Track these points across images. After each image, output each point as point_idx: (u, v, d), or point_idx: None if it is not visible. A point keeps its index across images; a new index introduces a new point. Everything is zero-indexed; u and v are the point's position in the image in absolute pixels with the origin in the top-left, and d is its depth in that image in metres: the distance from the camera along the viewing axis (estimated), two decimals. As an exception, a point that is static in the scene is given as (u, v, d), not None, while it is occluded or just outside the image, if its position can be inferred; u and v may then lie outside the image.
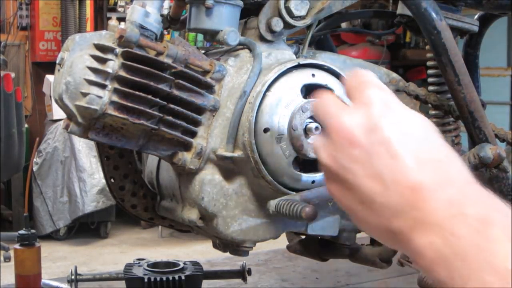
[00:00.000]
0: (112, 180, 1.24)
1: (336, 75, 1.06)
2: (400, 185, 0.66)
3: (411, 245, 0.65)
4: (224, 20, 1.08)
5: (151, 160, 1.24)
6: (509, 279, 0.57)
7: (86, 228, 5.35)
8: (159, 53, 1.02)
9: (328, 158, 0.72)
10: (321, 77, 1.06)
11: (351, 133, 0.70)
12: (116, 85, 0.98)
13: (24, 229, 1.43)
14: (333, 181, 0.73)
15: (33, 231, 1.43)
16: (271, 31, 1.10)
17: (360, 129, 0.69)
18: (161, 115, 1.00)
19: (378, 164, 0.67)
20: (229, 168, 1.06)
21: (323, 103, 0.78)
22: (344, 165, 0.70)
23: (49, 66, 5.69)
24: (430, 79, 1.47)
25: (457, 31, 1.37)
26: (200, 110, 1.04)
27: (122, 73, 0.98)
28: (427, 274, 0.64)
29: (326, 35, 1.49)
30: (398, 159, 0.66)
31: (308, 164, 1.07)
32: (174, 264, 1.43)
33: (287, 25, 1.11)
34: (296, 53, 1.15)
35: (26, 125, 5.00)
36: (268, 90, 1.03)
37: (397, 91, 1.23)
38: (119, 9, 6.21)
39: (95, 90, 0.97)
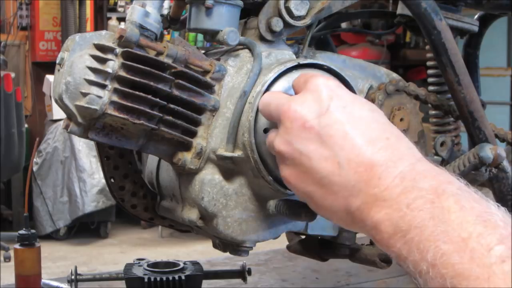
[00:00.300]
0: (112, 180, 1.24)
1: (336, 75, 1.06)
2: (354, 163, 0.68)
3: (368, 222, 0.67)
4: (224, 20, 1.08)
5: (151, 160, 1.24)
6: (464, 246, 0.59)
7: (86, 228, 5.36)
8: (159, 53, 1.02)
9: (282, 144, 0.74)
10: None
11: (303, 118, 0.72)
12: (116, 85, 0.98)
13: (24, 229, 1.43)
14: (288, 167, 0.75)
15: (33, 231, 1.43)
16: (271, 31, 1.11)
17: (311, 113, 0.72)
18: (161, 115, 1.00)
19: (332, 145, 0.70)
20: (229, 168, 1.06)
21: (271, 98, 0.81)
22: (299, 149, 0.72)
23: (49, 66, 5.70)
24: (430, 79, 1.47)
25: (457, 31, 1.37)
26: (200, 110, 1.04)
27: (122, 73, 0.98)
28: (385, 250, 0.65)
29: (326, 35, 1.50)
30: (350, 139, 0.69)
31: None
32: (174, 264, 1.43)
33: (287, 25, 1.11)
34: (296, 53, 1.15)
35: (26, 125, 5.01)
36: (268, 90, 1.03)
37: (397, 91, 1.23)
38: (119, 9, 6.22)
39: (95, 90, 0.97)
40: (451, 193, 0.63)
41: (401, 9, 1.38)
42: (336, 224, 0.75)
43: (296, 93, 0.81)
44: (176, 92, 1.02)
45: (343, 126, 0.70)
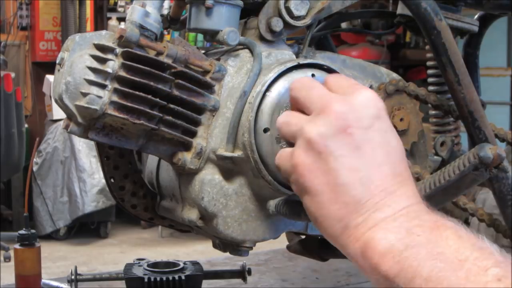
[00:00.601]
0: (112, 180, 1.24)
1: (336, 75, 1.06)
2: (374, 186, 0.71)
3: (360, 241, 0.69)
4: (224, 20, 1.08)
5: (151, 160, 1.24)
6: (460, 266, 0.61)
7: (86, 228, 5.36)
8: (159, 53, 1.02)
9: (316, 134, 0.73)
10: (321, 77, 1.06)
11: (348, 122, 0.73)
12: (116, 85, 0.98)
13: (24, 229, 1.43)
14: (307, 155, 0.74)
15: (33, 231, 1.43)
16: (271, 31, 1.11)
17: (356, 122, 0.73)
18: (161, 115, 1.00)
19: (362, 161, 0.72)
20: (229, 168, 1.06)
21: (313, 85, 0.79)
22: (331, 147, 0.72)
23: (49, 66, 5.70)
24: (430, 79, 1.47)
25: (457, 31, 1.37)
26: (200, 110, 1.04)
27: (122, 73, 0.98)
28: (369, 270, 0.67)
29: (326, 35, 1.50)
30: (380, 163, 0.72)
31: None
32: (174, 264, 1.43)
33: (287, 25, 1.11)
34: (296, 53, 1.15)
35: (26, 125, 5.01)
36: (268, 90, 1.03)
37: (397, 91, 1.23)
38: (119, 9, 6.22)
39: (95, 90, 0.97)
40: (450, 226, 0.66)
41: (401, 9, 1.38)
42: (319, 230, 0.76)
43: (330, 89, 0.80)
44: (176, 92, 1.02)
45: (379, 149, 0.72)
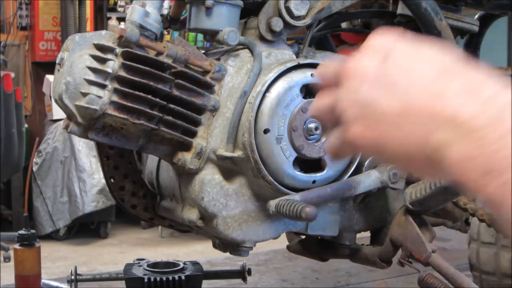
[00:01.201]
0: (112, 180, 1.24)
1: (336, 75, 1.06)
2: (427, 95, 0.62)
3: (449, 160, 0.58)
4: (224, 20, 1.08)
5: (151, 160, 1.24)
6: None
7: (86, 228, 5.35)
8: (159, 53, 1.02)
9: (347, 106, 0.66)
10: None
11: (363, 70, 0.67)
12: (116, 85, 0.98)
13: (24, 229, 1.43)
14: (357, 125, 0.63)
15: (33, 231, 1.43)
16: (271, 31, 1.10)
17: (371, 63, 0.67)
18: (161, 115, 1.00)
19: (398, 83, 0.64)
20: (229, 168, 1.06)
21: (328, 67, 0.74)
22: (365, 99, 0.63)
23: (49, 66, 5.69)
24: (430, 79, 1.46)
25: (457, 31, 1.37)
26: (200, 110, 1.04)
27: (122, 73, 0.98)
28: (474, 193, 0.56)
29: (326, 35, 1.49)
30: (418, 74, 0.63)
31: (308, 164, 1.07)
32: (174, 264, 1.43)
33: (287, 25, 1.11)
34: (296, 53, 1.15)
35: (26, 125, 5.00)
36: (268, 90, 1.03)
37: (397, 91, 1.22)
38: (119, 9, 6.21)
39: (95, 90, 0.97)
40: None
41: (401, 9, 1.38)
42: (414, 170, 0.67)
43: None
44: (176, 92, 1.01)
45: (408, 64, 0.64)
